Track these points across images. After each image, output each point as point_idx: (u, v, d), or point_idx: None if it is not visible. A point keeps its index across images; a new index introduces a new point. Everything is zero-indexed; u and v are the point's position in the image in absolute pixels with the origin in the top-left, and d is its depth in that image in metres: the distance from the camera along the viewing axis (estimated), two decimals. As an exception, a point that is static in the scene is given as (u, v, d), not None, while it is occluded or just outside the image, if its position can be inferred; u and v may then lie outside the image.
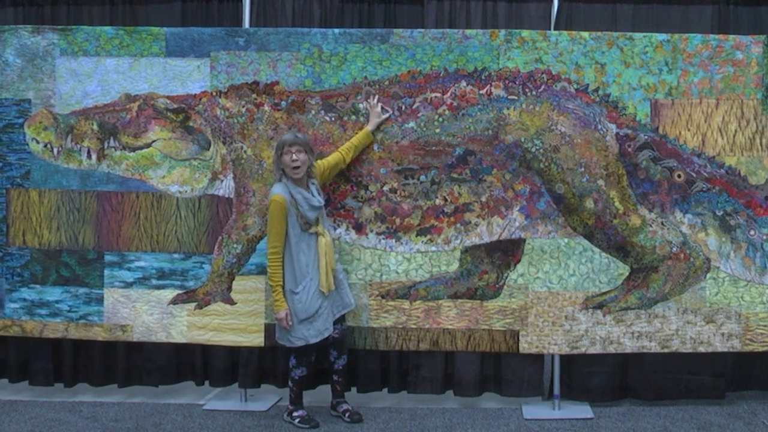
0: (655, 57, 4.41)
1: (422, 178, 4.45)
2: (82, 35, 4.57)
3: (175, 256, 4.59)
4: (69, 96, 4.58)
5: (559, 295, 4.47)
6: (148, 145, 4.54)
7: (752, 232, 4.42)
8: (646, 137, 4.41)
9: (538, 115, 4.39)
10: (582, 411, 4.56)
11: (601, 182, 4.38)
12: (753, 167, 4.43)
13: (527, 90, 4.42)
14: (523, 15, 4.90)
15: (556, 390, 4.63)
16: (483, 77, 4.43)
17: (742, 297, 4.43)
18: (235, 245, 4.53)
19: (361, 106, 4.47)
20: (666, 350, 4.46)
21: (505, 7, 4.91)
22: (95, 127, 4.55)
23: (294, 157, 4.17)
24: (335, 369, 4.45)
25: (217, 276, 4.55)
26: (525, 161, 4.41)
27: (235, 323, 4.56)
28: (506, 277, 4.49)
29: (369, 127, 4.41)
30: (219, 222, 4.56)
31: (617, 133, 4.40)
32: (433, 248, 4.49)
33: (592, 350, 4.48)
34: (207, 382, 4.99)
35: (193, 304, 4.57)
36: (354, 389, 4.82)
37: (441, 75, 4.44)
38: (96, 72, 4.57)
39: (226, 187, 4.55)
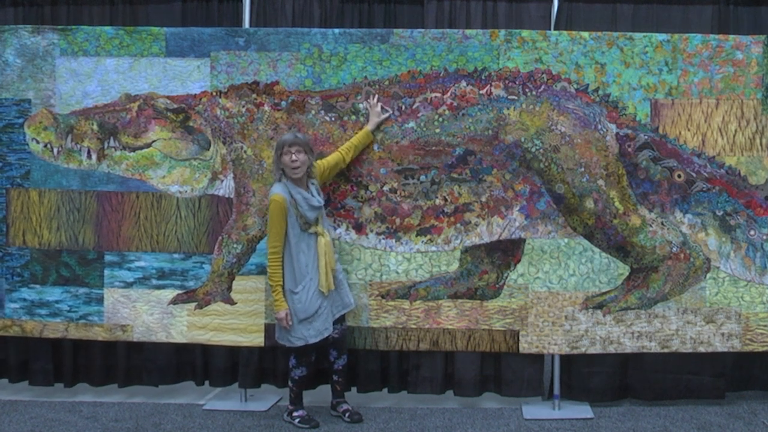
0: (655, 57, 4.41)
1: (422, 178, 4.45)
2: (82, 35, 4.57)
3: (175, 256, 4.59)
4: (69, 96, 4.58)
5: (559, 295, 4.47)
6: (148, 145, 4.55)
7: (752, 232, 4.42)
8: (646, 137, 4.41)
9: (538, 115, 4.39)
10: (582, 411, 4.56)
11: (601, 182, 4.38)
12: (753, 167, 4.43)
13: (527, 90, 4.42)
14: (523, 15, 4.90)
15: (556, 390, 4.63)
16: (483, 77, 4.43)
17: (742, 297, 4.43)
18: (235, 245, 4.53)
19: (361, 106, 4.47)
20: (666, 350, 4.46)
21: (505, 7, 4.91)
22: (95, 127, 4.55)
23: (294, 157, 4.17)
24: (335, 369, 4.45)
25: (217, 276, 4.55)
26: (525, 161, 4.41)
27: (235, 323, 4.56)
28: (506, 277, 4.49)
29: (369, 127, 4.41)
30: (219, 222, 4.56)
31: (617, 133, 4.41)
32: (433, 248, 4.49)
33: (592, 350, 4.48)
34: (207, 382, 4.99)
35: (193, 304, 4.57)
36: (354, 389, 4.82)
37: (441, 75, 4.44)
38: (96, 72, 4.57)
39: (226, 187, 4.55)
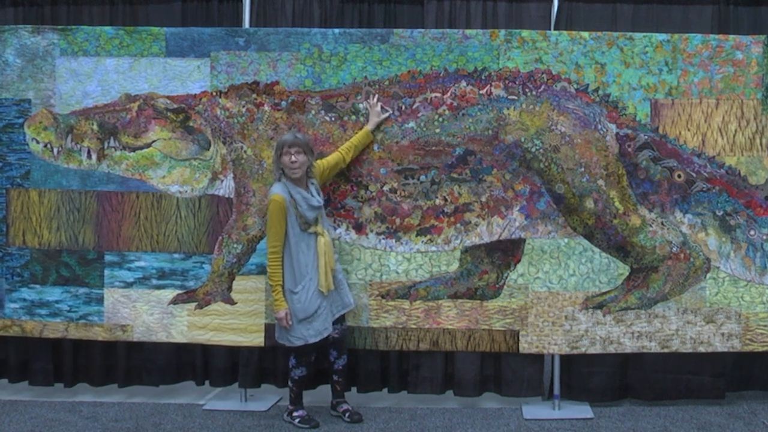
0: (655, 57, 4.41)
1: (422, 178, 4.45)
2: (82, 35, 4.57)
3: (176, 256, 4.59)
4: (69, 96, 4.58)
5: (559, 295, 4.47)
6: (148, 145, 4.55)
7: (752, 232, 4.42)
8: (646, 137, 4.41)
9: (538, 115, 4.39)
10: (582, 411, 4.56)
11: (601, 182, 4.38)
12: (753, 167, 4.43)
13: (527, 90, 4.42)
14: (523, 15, 4.90)
15: (556, 390, 4.63)
16: (483, 77, 4.43)
17: (742, 297, 4.43)
18: (235, 245, 4.53)
19: (361, 106, 4.47)
20: (666, 350, 4.46)
21: (505, 7, 4.91)
22: (95, 127, 4.55)
23: (293, 158, 4.18)
24: (335, 369, 4.45)
25: (218, 276, 4.55)
26: (525, 161, 4.41)
27: (235, 323, 4.56)
28: (506, 277, 4.49)
29: (369, 127, 4.41)
30: (219, 222, 4.56)
31: (617, 133, 4.41)
32: (433, 248, 4.49)
33: (592, 350, 4.48)
34: (207, 382, 4.99)
35: (194, 304, 4.57)
36: (354, 389, 4.82)
37: (441, 75, 4.44)
38: (96, 72, 4.57)
39: (226, 187, 4.55)
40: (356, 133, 4.42)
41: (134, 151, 4.55)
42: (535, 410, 4.59)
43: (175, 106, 4.53)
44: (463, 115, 4.42)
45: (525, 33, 4.45)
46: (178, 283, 4.58)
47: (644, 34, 4.46)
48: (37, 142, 4.57)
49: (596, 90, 4.42)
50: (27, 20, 4.97)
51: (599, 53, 4.42)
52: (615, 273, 4.45)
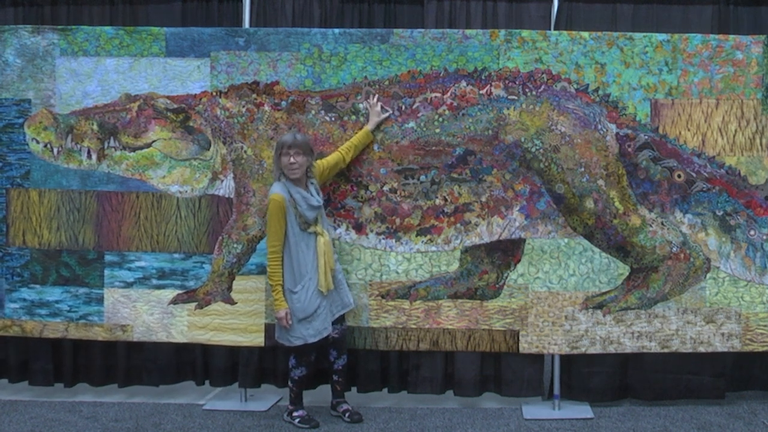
0: (655, 57, 4.41)
1: (422, 178, 4.45)
2: (82, 35, 4.57)
3: (176, 256, 4.59)
4: (69, 96, 4.58)
5: (559, 295, 4.47)
6: (148, 145, 4.55)
7: (752, 232, 4.42)
8: (646, 137, 4.41)
9: (538, 115, 4.39)
10: (582, 411, 4.56)
11: (601, 182, 4.38)
12: (753, 167, 4.43)
13: (527, 90, 4.42)
14: (523, 15, 4.90)
15: (556, 390, 4.63)
16: (483, 77, 4.43)
17: (742, 297, 4.43)
18: (235, 245, 4.53)
19: (361, 106, 4.47)
20: (666, 350, 4.46)
21: (505, 7, 4.91)
22: (95, 127, 4.55)
23: (292, 160, 4.18)
24: (335, 369, 4.45)
25: (218, 276, 4.55)
26: (525, 161, 4.41)
27: (235, 323, 4.56)
28: (506, 277, 4.49)
29: (369, 127, 4.41)
30: (219, 222, 4.56)
31: (617, 133, 4.41)
32: (433, 248, 4.49)
33: (592, 350, 4.48)
34: (207, 382, 4.99)
35: (194, 304, 4.57)
36: (354, 389, 4.82)
37: (441, 75, 4.44)
38: (96, 72, 4.57)
39: (226, 187, 4.55)
40: (356, 133, 4.42)
41: (134, 151, 4.55)
42: (535, 410, 4.59)
43: (175, 106, 4.53)
44: (463, 115, 4.42)
45: (525, 33, 4.46)
46: (178, 283, 4.58)
47: (644, 34, 4.46)
48: (37, 142, 4.57)
49: (596, 90, 4.42)
50: (27, 20, 4.97)
51: (599, 53, 4.42)
52: (615, 273, 4.45)
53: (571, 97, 4.41)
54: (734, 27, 4.79)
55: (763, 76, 4.41)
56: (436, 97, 4.43)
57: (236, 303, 4.55)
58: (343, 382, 4.49)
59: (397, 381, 4.86)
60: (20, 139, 4.60)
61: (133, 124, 4.54)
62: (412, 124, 4.45)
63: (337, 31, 4.51)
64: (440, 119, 4.43)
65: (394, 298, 4.52)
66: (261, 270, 4.49)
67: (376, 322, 4.53)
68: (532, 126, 4.39)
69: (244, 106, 4.51)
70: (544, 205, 4.43)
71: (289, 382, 4.40)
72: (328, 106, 4.48)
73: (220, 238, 4.54)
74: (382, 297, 4.52)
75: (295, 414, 4.36)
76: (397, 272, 4.52)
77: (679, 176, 4.42)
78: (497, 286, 4.49)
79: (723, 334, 4.44)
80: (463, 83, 4.43)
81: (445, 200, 4.45)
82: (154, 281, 4.59)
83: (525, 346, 4.49)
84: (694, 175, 4.41)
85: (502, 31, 4.45)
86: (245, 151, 4.51)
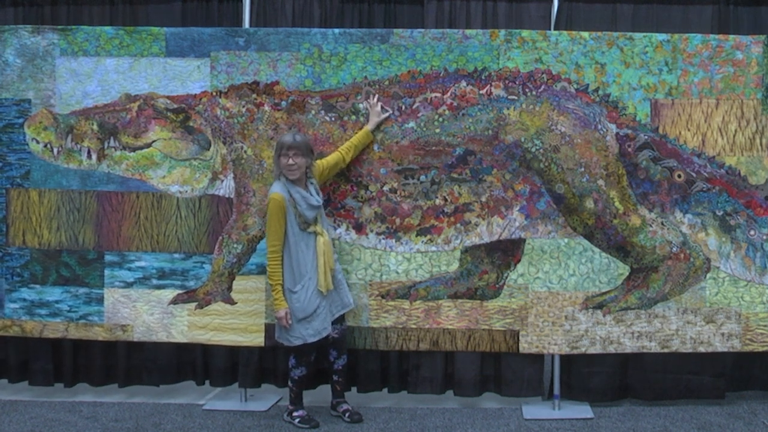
0: (655, 57, 4.41)
1: (422, 178, 4.45)
2: (82, 35, 4.57)
3: (176, 256, 4.59)
4: (69, 96, 4.58)
5: (559, 295, 4.47)
6: (148, 145, 4.55)
7: (752, 232, 4.42)
8: (646, 137, 4.41)
9: (538, 115, 4.39)
10: (582, 411, 4.56)
11: (601, 182, 4.38)
12: (753, 167, 4.43)
13: (527, 90, 4.42)
14: (523, 15, 4.90)
15: (556, 390, 4.63)
16: (483, 77, 4.43)
17: (742, 297, 4.43)
18: (235, 245, 4.53)
19: (361, 106, 4.47)
20: (666, 350, 4.46)
21: (505, 7, 4.91)
22: (95, 127, 4.55)
23: (291, 161, 4.18)
24: (335, 369, 4.45)
25: (218, 276, 4.55)
26: (525, 161, 4.41)
27: (235, 323, 4.56)
28: (506, 277, 4.49)
29: (369, 127, 4.41)
30: (219, 222, 4.56)
31: (617, 133, 4.41)
32: (433, 248, 4.49)
33: (592, 350, 4.48)
34: (207, 382, 4.99)
35: (194, 304, 4.57)
36: (354, 389, 4.82)
37: (441, 75, 4.44)
38: (96, 72, 4.57)
39: (226, 187, 4.55)
40: (356, 133, 4.42)
41: (134, 151, 4.55)
42: (535, 410, 4.59)
43: (175, 106, 4.53)
44: (463, 115, 4.42)
45: (525, 33, 4.46)
46: (178, 283, 4.58)
47: (644, 34, 4.46)
48: (37, 142, 4.57)
49: (596, 90, 4.42)
50: (27, 20, 4.97)
51: (599, 53, 4.42)
52: (615, 273, 4.45)
53: (571, 97, 4.41)
54: (734, 27, 4.79)
55: (763, 76, 4.41)
56: (436, 97, 4.43)
57: (236, 303, 4.55)
58: (343, 382, 4.49)
59: (397, 381, 4.86)
60: (20, 139, 4.60)
61: (133, 124, 4.54)
62: (412, 124, 4.45)
63: (337, 31, 4.51)
64: (440, 119, 4.43)
65: (394, 298, 4.52)
66: (261, 270, 4.49)
67: (376, 322, 4.53)
68: (532, 126, 4.39)
69: (244, 106, 4.51)
70: (544, 205, 4.43)
71: (289, 382, 4.40)
72: (328, 106, 4.48)
73: (220, 238, 4.54)
74: (382, 297, 4.52)
75: (295, 414, 4.36)
76: (397, 272, 4.52)
77: (679, 176, 4.42)
78: (497, 286, 4.49)
79: (723, 334, 4.44)
80: (463, 83, 4.43)
81: (445, 200, 4.45)
82: (154, 281, 4.59)
83: (525, 346, 4.49)
84: (694, 175, 4.41)
85: (502, 31, 4.45)
86: (245, 151, 4.51)
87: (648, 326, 4.44)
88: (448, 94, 4.43)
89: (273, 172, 4.33)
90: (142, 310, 4.58)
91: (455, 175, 4.44)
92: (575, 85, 4.42)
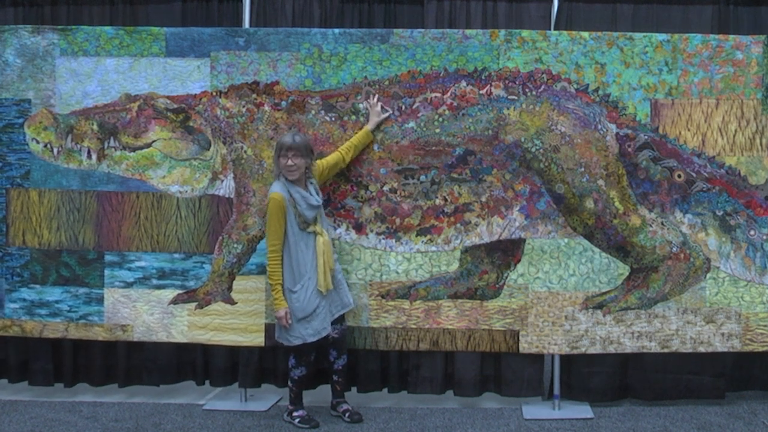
0: (655, 57, 4.41)
1: (422, 178, 4.45)
2: (82, 35, 4.57)
3: (176, 256, 4.59)
4: (69, 96, 4.58)
5: (559, 295, 4.47)
6: (148, 145, 4.55)
7: (752, 232, 4.42)
8: (646, 137, 4.41)
9: (538, 115, 4.39)
10: (582, 411, 4.56)
11: (601, 182, 4.38)
12: (753, 167, 4.43)
13: (527, 90, 4.42)
14: (523, 15, 4.90)
15: (556, 390, 4.63)
16: (483, 77, 4.43)
17: (742, 297, 4.43)
18: (235, 245, 4.53)
19: (361, 106, 4.47)
20: (666, 350, 4.46)
21: (505, 7, 4.91)
22: (95, 127, 4.55)
23: (290, 162, 4.18)
24: (335, 369, 4.45)
25: (218, 276, 4.55)
26: (525, 161, 4.41)
27: (235, 323, 4.56)
28: (506, 277, 4.49)
29: (369, 127, 4.41)
30: (219, 222, 4.56)
31: (617, 133, 4.41)
32: (433, 248, 4.49)
33: (592, 350, 4.48)
34: (207, 382, 4.99)
35: (194, 304, 4.57)
36: (354, 389, 4.82)
37: (441, 75, 4.44)
38: (96, 72, 4.57)
39: (226, 187, 4.55)
40: (356, 133, 4.42)
41: (134, 151, 4.55)
42: (535, 410, 4.59)
43: (175, 106, 4.53)
44: (463, 115, 4.42)
45: (525, 33, 4.46)
46: (178, 283, 4.58)
47: (644, 34, 4.46)
48: (37, 142, 4.57)
49: (596, 90, 4.42)
50: (27, 20, 4.97)
51: (599, 53, 4.42)
52: (615, 273, 4.45)
53: (571, 97, 4.41)
54: (734, 27, 4.79)
55: (763, 76, 4.41)
56: (436, 97, 4.43)
57: (236, 303, 4.55)
58: (343, 382, 4.49)
59: (397, 381, 4.86)
60: (20, 139, 4.60)
61: (133, 124, 4.54)
62: (412, 124, 4.45)
63: (337, 31, 4.51)
64: (440, 119, 4.43)
65: (394, 298, 4.52)
66: (261, 270, 4.49)
67: (376, 322, 4.53)
68: (532, 126, 4.39)
69: (244, 106, 4.51)
70: (544, 205, 4.43)
71: (289, 382, 4.40)
72: (328, 106, 4.48)
73: (220, 238, 4.54)
74: (382, 297, 4.52)
75: (295, 414, 4.36)
76: (397, 272, 4.52)
77: (679, 176, 4.42)
78: (497, 286, 4.49)
79: (723, 334, 4.44)
80: (463, 83, 4.43)
81: (445, 200, 4.45)
82: (154, 281, 4.59)
83: (525, 346, 4.49)
84: (694, 175, 4.41)
85: (502, 31, 4.45)
86: (245, 151, 4.51)
87: (648, 326, 4.44)
88: (448, 94, 4.43)
89: (273, 172, 4.33)
90: (142, 310, 4.58)
91: (455, 175, 4.44)
92: (575, 85, 4.42)
